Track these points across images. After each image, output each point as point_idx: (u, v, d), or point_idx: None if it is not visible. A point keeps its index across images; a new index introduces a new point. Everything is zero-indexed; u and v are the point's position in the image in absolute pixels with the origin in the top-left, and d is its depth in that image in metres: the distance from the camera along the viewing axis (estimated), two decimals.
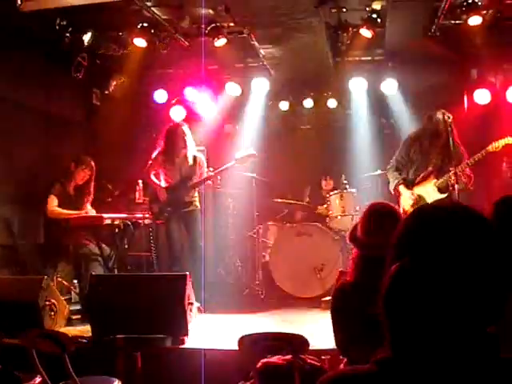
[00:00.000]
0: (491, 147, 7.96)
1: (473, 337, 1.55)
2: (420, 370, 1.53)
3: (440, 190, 8.21)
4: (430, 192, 8.26)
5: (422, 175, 8.37)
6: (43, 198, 8.69)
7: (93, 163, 9.00)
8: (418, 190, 8.36)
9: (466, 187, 8.01)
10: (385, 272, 1.65)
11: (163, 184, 9.05)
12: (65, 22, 8.90)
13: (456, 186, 7.67)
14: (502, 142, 7.94)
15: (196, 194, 9.13)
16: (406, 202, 8.31)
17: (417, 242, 1.63)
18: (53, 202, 8.63)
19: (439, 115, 8.13)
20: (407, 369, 1.55)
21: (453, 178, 7.86)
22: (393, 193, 8.52)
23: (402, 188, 8.45)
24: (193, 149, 9.12)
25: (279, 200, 10.82)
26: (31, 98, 9.44)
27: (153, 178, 9.10)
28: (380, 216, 3.93)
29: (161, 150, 9.05)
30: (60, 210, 8.64)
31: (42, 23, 8.74)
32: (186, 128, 9.10)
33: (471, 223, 1.63)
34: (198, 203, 9.12)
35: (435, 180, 8.26)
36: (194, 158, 9.09)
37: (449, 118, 7.85)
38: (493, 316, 1.58)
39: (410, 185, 8.44)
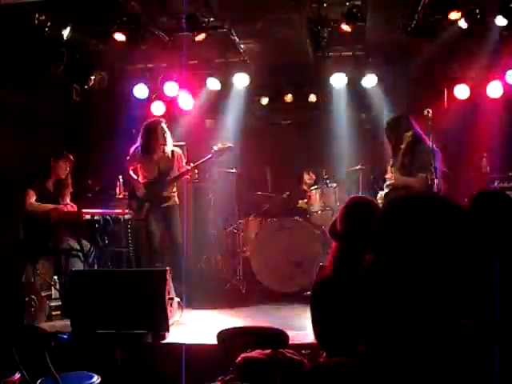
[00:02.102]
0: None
1: (447, 328, 1.55)
2: (396, 362, 1.54)
3: None
4: None
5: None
6: (22, 193, 8.64)
7: (71, 156, 8.97)
8: None
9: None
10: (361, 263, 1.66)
11: (141, 180, 9.06)
12: (43, 17, 8.85)
13: (435, 181, 7.70)
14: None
15: (175, 190, 9.14)
16: None
17: (391, 232, 1.63)
18: (31, 197, 8.58)
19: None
20: (381, 360, 1.55)
21: None
22: None
23: None
24: (171, 144, 9.14)
25: (259, 193, 10.84)
26: (9, 94, 9.37)
27: (131, 173, 9.11)
28: (359, 209, 3.94)
29: (138, 145, 9.06)
30: (38, 203, 8.59)
31: (21, 17, 8.69)
32: (163, 124, 9.11)
33: (446, 214, 1.63)
34: (176, 199, 9.14)
35: None
36: (172, 152, 9.13)
37: (428, 112, 7.86)
38: (467, 308, 1.59)
39: None
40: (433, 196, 1.76)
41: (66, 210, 8.62)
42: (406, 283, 1.52)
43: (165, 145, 9.04)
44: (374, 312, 1.57)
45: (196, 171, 9.06)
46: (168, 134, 9.08)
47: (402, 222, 1.63)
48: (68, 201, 8.90)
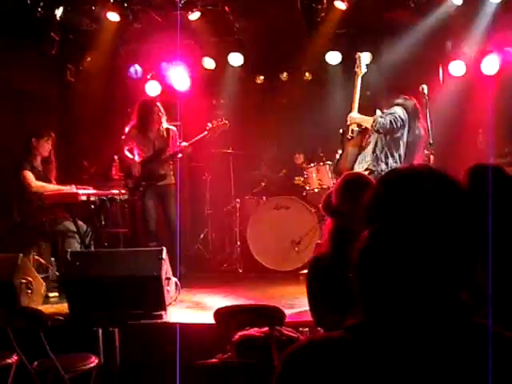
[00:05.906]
0: None
1: (444, 301, 1.54)
2: (392, 335, 1.53)
3: None
4: None
5: None
6: (14, 176, 8.56)
7: (52, 133, 8.88)
8: None
9: None
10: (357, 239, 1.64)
11: (137, 158, 9.05)
12: None
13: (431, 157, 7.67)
14: None
15: (171, 168, 9.13)
16: None
17: (388, 205, 1.62)
18: (30, 177, 8.47)
19: None
20: (379, 333, 1.54)
21: None
22: None
23: None
24: (165, 122, 9.14)
25: (256, 172, 10.87)
26: (3, 75, 9.32)
27: (127, 152, 9.11)
28: (354, 186, 3.92)
29: (133, 124, 9.06)
30: (42, 183, 8.52)
31: None
32: (158, 103, 9.12)
33: (442, 185, 1.61)
34: (173, 177, 9.13)
35: None
36: (167, 131, 9.14)
37: (423, 89, 7.82)
38: (464, 280, 1.57)
39: None
40: (427, 168, 1.72)
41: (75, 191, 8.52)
42: (405, 255, 1.51)
43: (160, 123, 9.05)
44: (373, 285, 1.55)
45: (190, 149, 9.07)
46: (163, 113, 9.09)
47: (399, 195, 1.61)
48: (53, 179, 8.83)
